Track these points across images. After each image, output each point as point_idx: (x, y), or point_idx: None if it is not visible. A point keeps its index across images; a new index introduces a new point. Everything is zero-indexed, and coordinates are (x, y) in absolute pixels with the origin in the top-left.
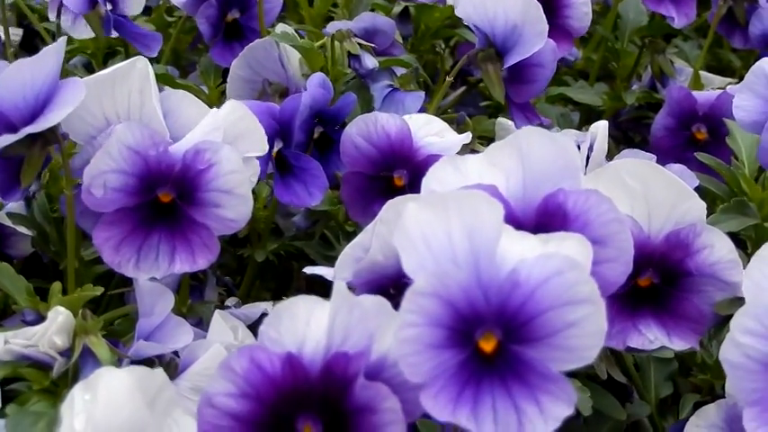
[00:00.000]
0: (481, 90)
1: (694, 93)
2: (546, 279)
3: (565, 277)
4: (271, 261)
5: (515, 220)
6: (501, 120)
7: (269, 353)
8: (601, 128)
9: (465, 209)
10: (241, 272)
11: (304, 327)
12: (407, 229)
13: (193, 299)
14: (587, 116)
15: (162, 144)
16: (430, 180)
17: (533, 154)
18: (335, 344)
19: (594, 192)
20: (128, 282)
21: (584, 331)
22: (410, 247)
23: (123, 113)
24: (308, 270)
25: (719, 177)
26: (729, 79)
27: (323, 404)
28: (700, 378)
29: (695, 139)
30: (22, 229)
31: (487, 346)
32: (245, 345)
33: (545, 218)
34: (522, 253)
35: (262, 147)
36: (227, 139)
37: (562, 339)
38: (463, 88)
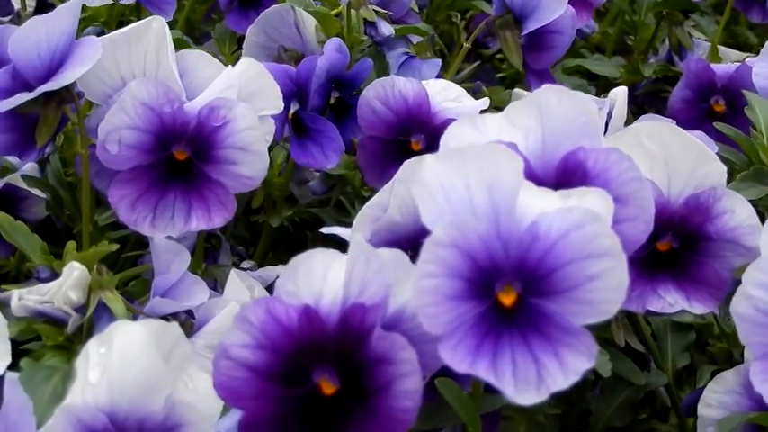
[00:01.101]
0: (495, 64)
1: (713, 65)
2: (566, 232)
3: (586, 230)
4: (284, 231)
5: (535, 179)
6: (517, 90)
7: (285, 305)
8: (620, 94)
9: (484, 162)
10: (254, 242)
11: (321, 280)
12: (426, 181)
13: (207, 264)
14: (604, 90)
15: (177, 101)
16: (448, 138)
17: (553, 112)
18: (352, 296)
19: (615, 150)
20: (143, 246)
21: (606, 284)
22: (429, 199)
23: (139, 73)
24: (325, 230)
25: (738, 149)
26: (746, 54)
27: (339, 356)
28: (717, 346)
29: (713, 112)
30: (36, 193)
31: (507, 299)
32: (262, 297)
33: (565, 176)
34: (543, 207)
35: (277, 105)
36: (241, 97)
37: (583, 293)
38: (477, 63)
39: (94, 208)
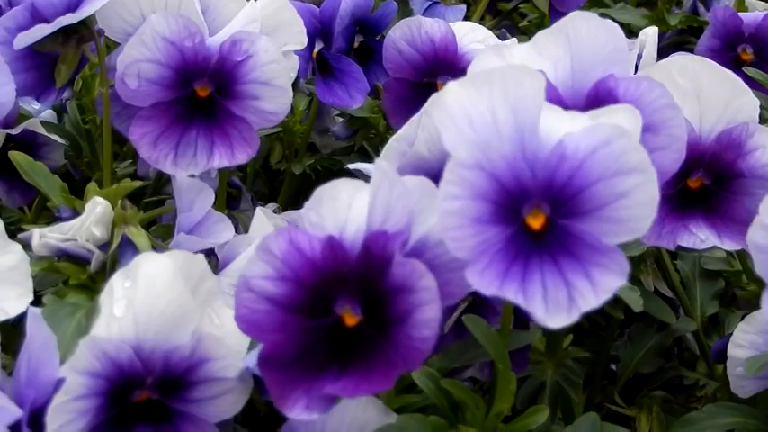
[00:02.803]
0: (515, 19)
1: (740, 13)
2: (594, 150)
3: (613, 146)
4: (305, 184)
5: (565, 108)
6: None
7: (309, 236)
8: (650, 34)
9: (509, 83)
10: (273, 198)
11: (345, 210)
12: (448, 107)
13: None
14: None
15: (198, 35)
16: (475, 68)
17: (581, 39)
18: (376, 223)
19: (646, 78)
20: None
21: (636, 201)
22: (451, 125)
23: (161, 9)
24: (351, 166)
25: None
26: None
27: (362, 286)
28: (749, 290)
29: (741, 61)
30: (55, 139)
31: (535, 222)
32: (284, 227)
33: (595, 105)
34: (571, 127)
35: (300, 39)
36: (264, 31)
37: (613, 211)
38: (496, 19)
39: (112, 157)
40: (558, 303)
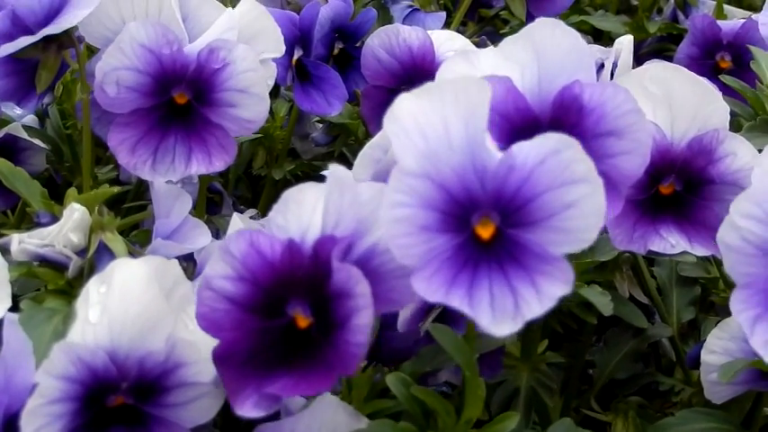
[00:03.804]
0: (497, 25)
1: (719, 21)
2: (542, 160)
3: (561, 156)
4: (286, 188)
5: (531, 114)
6: None
7: (270, 238)
8: (625, 43)
9: (460, 94)
10: (255, 203)
11: (310, 214)
12: (400, 119)
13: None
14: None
15: (176, 43)
16: (443, 74)
17: (548, 45)
18: (328, 228)
19: (611, 84)
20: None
21: (583, 212)
22: (403, 135)
23: (141, 16)
24: (327, 171)
25: (744, 103)
26: (751, 12)
27: (312, 289)
28: (722, 296)
29: (719, 69)
30: (36, 143)
31: (485, 232)
32: (246, 229)
33: (561, 110)
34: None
35: (278, 47)
36: (242, 39)
37: (560, 221)
38: (478, 26)
39: (94, 162)
40: (504, 311)
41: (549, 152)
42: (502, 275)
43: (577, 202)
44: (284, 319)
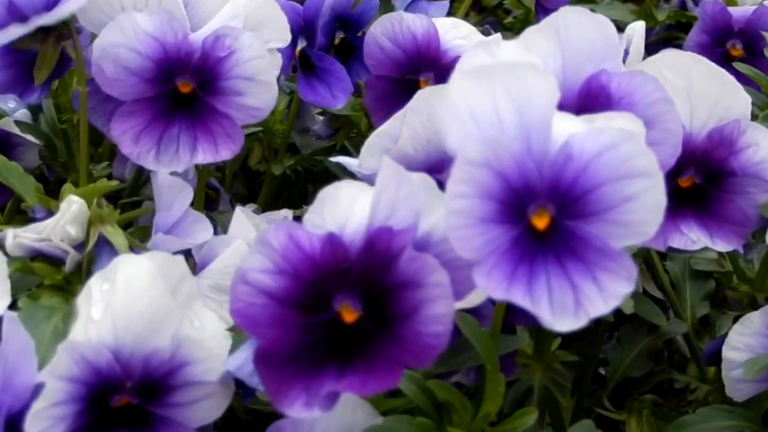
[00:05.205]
0: (500, 15)
1: (729, 8)
2: (599, 152)
3: (620, 150)
4: (284, 185)
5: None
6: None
7: (308, 233)
8: (637, 29)
9: (512, 81)
10: (252, 199)
11: (347, 210)
12: (453, 102)
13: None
14: None
15: (181, 31)
16: (462, 66)
17: (572, 35)
18: (379, 220)
19: (640, 72)
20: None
21: (643, 205)
22: (456, 122)
23: (142, 4)
24: (333, 159)
25: (757, 91)
26: None
27: (362, 282)
28: (740, 291)
29: (730, 57)
30: (29, 139)
31: (540, 222)
32: (283, 221)
33: (587, 101)
34: (572, 129)
35: (284, 36)
36: (248, 27)
37: (619, 214)
38: (481, 15)
39: (88, 161)
40: (564, 306)
41: (606, 145)
42: (560, 269)
43: (638, 194)
44: (328, 314)
